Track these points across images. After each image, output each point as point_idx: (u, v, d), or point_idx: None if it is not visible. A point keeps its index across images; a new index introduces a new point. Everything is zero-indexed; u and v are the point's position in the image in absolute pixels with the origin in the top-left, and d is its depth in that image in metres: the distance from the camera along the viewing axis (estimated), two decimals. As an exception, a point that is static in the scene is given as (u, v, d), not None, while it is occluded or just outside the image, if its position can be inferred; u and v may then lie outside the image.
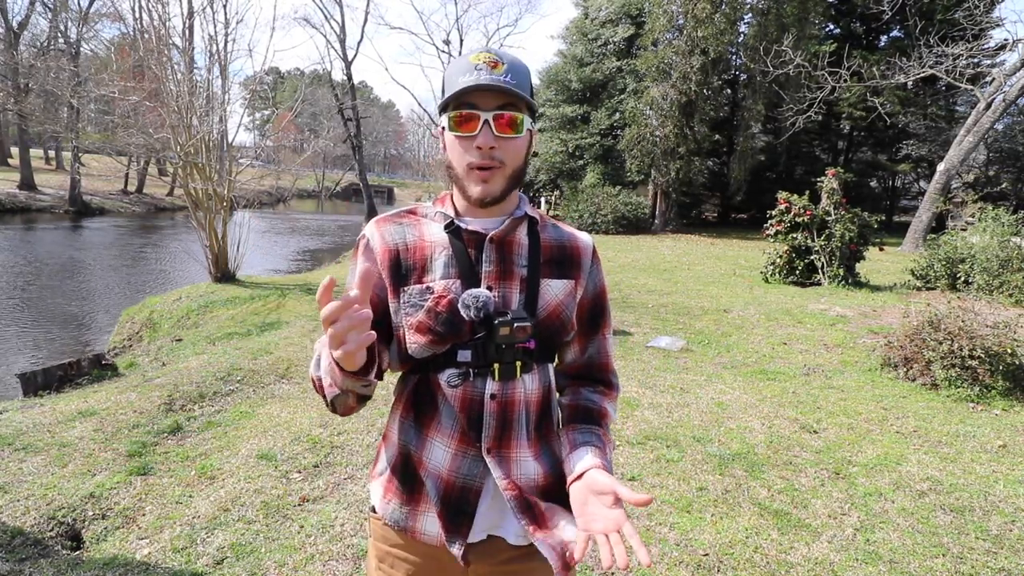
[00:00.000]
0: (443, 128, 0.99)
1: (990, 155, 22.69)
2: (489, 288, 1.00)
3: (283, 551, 2.42)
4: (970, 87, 14.93)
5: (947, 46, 14.16)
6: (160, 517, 2.69)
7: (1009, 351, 4.39)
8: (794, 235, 9.41)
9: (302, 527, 2.59)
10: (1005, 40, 15.47)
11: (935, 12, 18.83)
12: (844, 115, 22.13)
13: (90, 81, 20.40)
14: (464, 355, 0.99)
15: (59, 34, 27.11)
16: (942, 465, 3.35)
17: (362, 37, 34.60)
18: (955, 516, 2.82)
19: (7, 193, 23.63)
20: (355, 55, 25.75)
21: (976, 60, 16.14)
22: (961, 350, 4.45)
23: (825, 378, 4.97)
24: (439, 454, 1.02)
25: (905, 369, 4.91)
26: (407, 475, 1.05)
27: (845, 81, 15.46)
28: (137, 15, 9.94)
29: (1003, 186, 18.78)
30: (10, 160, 32.30)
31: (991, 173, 22.01)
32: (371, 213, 25.60)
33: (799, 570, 2.38)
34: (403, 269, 1.02)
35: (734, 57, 22.28)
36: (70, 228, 20.25)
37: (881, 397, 4.50)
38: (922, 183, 24.95)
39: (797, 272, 9.53)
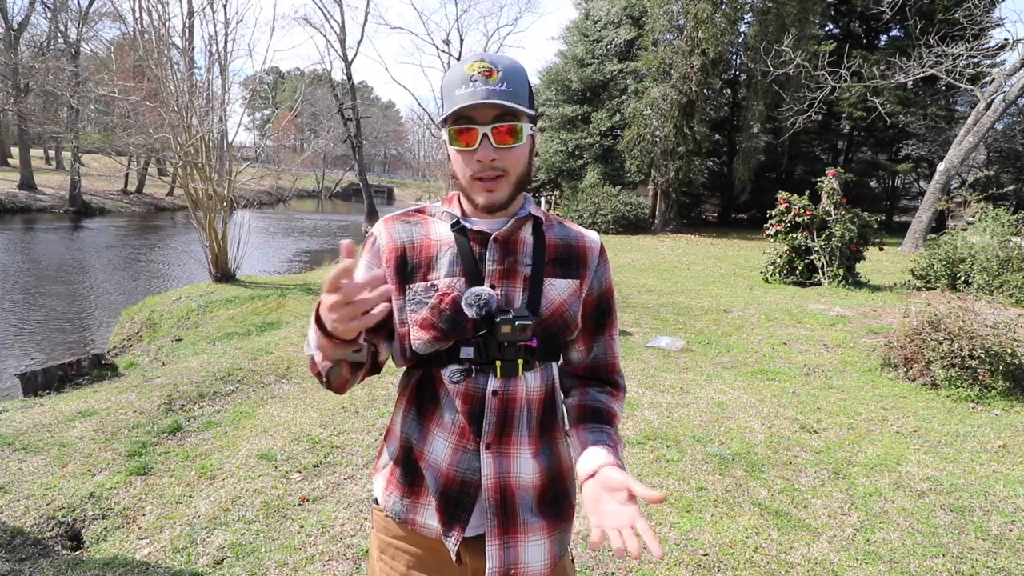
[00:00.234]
0: (445, 140, 1.01)
1: (990, 155, 22.68)
2: (492, 286, 1.01)
3: (283, 551, 2.42)
4: (970, 87, 14.93)
5: (947, 46, 14.16)
6: (160, 517, 2.69)
7: (1009, 351, 4.39)
8: (794, 235, 9.41)
9: (302, 527, 2.59)
10: (1005, 40, 15.47)
11: (935, 12, 18.82)
12: (844, 115, 22.13)
13: (90, 81, 20.41)
14: (467, 352, 1.00)
15: (59, 34, 27.11)
16: (942, 465, 3.35)
17: (362, 37, 34.64)
18: (955, 516, 2.82)
19: (7, 193, 23.64)
20: (355, 55, 25.74)
21: (976, 60, 16.12)
22: (961, 350, 4.45)
23: (825, 378, 4.97)
24: (440, 448, 1.04)
25: (905, 369, 4.91)
26: (408, 468, 1.07)
27: (845, 81, 15.46)
28: (137, 15, 9.92)
29: (1006, 188, 18.76)
30: (10, 160, 32.32)
31: (991, 173, 22.00)
32: (371, 213, 25.58)
33: (799, 570, 2.38)
34: (409, 267, 1.03)
35: (734, 57, 22.29)
36: (70, 228, 20.24)
37: (881, 397, 4.50)
38: (922, 183, 24.96)
39: (797, 272, 9.53)
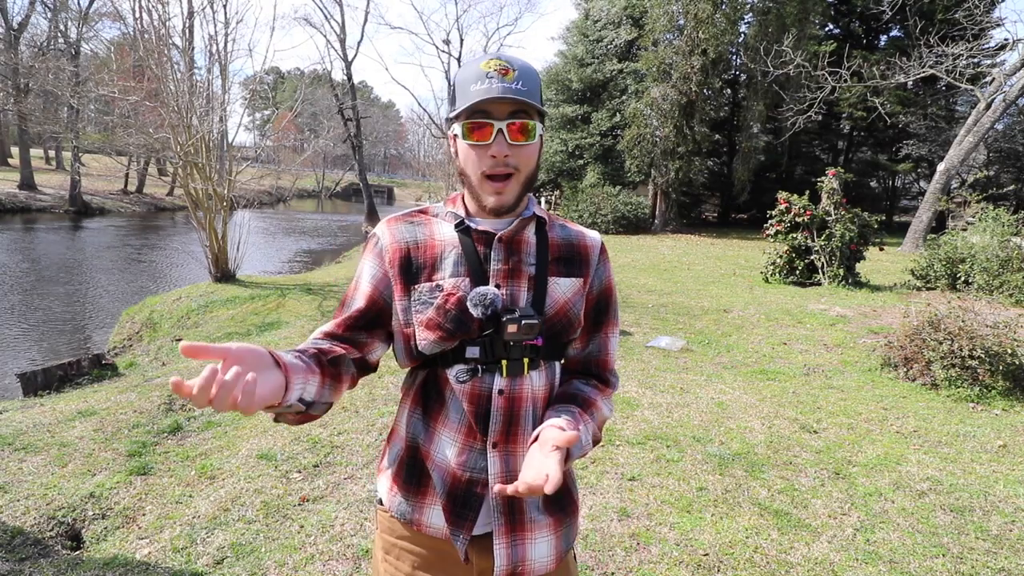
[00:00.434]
0: (455, 136, 1.00)
1: (990, 155, 22.68)
2: (497, 286, 1.01)
3: (283, 551, 2.42)
4: (970, 87, 14.92)
5: (947, 46, 14.15)
6: (160, 517, 2.69)
7: (1009, 351, 4.39)
8: (794, 235, 9.41)
9: (302, 527, 2.59)
10: (1005, 40, 15.47)
11: (935, 12, 18.82)
12: (844, 115, 22.13)
13: (90, 81, 20.38)
14: (473, 351, 1.00)
15: (59, 34, 27.10)
16: (942, 465, 3.35)
17: (362, 37, 34.62)
18: (955, 516, 2.82)
19: (7, 193, 23.64)
20: (355, 55, 25.73)
21: (976, 60, 16.11)
22: (961, 350, 4.45)
23: (825, 378, 4.97)
24: (446, 448, 1.04)
25: (905, 369, 4.91)
26: (414, 468, 1.07)
27: (845, 81, 15.46)
28: (137, 15, 9.90)
29: (1006, 188, 18.76)
30: (10, 160, 32.32)
31: (991, 173, 22.00)
32: (371, 213, 25.59)
33: (799, 570, 2.39)
34: (413, 267, 1.03)
35: (734, 57, 22.28)
36: (70, 228, 20.25)
37: (881, 397, 4.50)
38: (922, 183, 24.96)
39: (797, 272, 9.53)
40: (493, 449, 1.02)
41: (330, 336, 1.04)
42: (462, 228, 1.04)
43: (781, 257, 9.69)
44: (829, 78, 15.44)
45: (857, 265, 9.41)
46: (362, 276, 1.07)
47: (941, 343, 4.60)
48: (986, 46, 16.31)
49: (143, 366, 6.23)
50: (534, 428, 1.04)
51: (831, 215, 9.16)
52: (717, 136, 22.40)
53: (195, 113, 8.81)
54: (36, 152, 33.90)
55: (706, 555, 2.46)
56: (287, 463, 3.18)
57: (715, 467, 3.24)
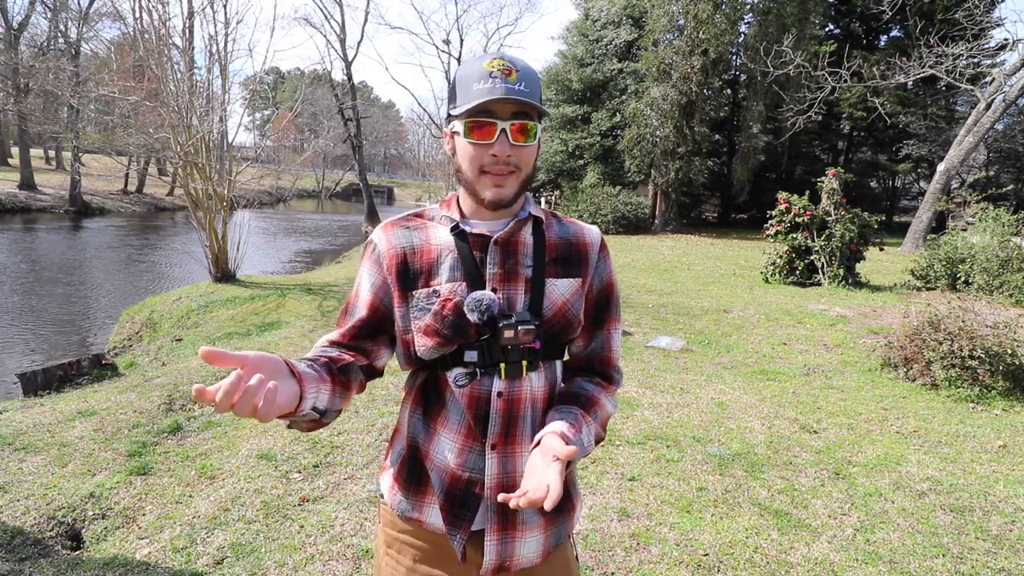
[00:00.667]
0: (453, 133, 1.00)
1: (990, 155, 22.68)
2: (494, 290, 1.01)
3: (283, 551, 2.42)
4: (970, 87, 14.93)
5: (947, 46, 14.16)
6: (160, 517, 2.69)
7: (1009, 351, 4.39)
8: (794, 235, 9.41)
9: (302, 527, 2.59)
10: (1005, 40, 15.47)
11: (935, 12, 18.83)
12: (844, 115, 22.13)
13: (90, 81, 20.40)
14: (471, 355, 1.01)
15: (59, 34, 27.10)
16: (942, 465, 3.35)
17: (362, 37, 34.63)
18: (955, 516, 2.82)
19: (7, 193, 23.63)
20: (355, 55, 25.73)
21: (976, 60, 16.12)
22: (961, 350, 4.45)
23: (825, 378, 4.97)
24: (446, 448, 1.04)
25: (905, 369, 4.91)
26: (414, 467, 1.08)
27: (845, 81, 15.46)
28: (137, 15, 9.90)
29: (1006, 188, 18.77)
30: (10, 160, 32.31)
31: (991, 173, 22.00)
32: (371, 213, 25.58)
33: (799, 570, 2.38)
34: (410, 273, 1.03)
35: (734, 57, 22.28)
36: (70, 228, 20.25)
37: (881, 397, 4.50)
38: (922, 183, 24.96)
39: (797, 272, 9.53)
40: (492, 451, 1.02)
41: (336, 345, 1.05)
42: (457, 232, 1.03)
43: (781, 257, 9.69)
44: (829, 78, 15.44)
45: (857, 265, 9.41)
46: (362, 284, 1.07)
47: (941, 343, 4.60)
48: (986, 46, 16.31)
49: (143, 366, 6.23)
50: (534, 429, 1.04)
51: (831, 215, 9.16)
52: (717, 136, 22.41)
53: (195, 113, 8.80)
54: (36, 152, 33.91)
55: (706, 555, 2.46)
56: (287, 463, 3.18)
57: (715, 467, 3.24)
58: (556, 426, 0.97)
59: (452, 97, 1.00)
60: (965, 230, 9.58)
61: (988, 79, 15.79)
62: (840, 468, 3.29)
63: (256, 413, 0.73)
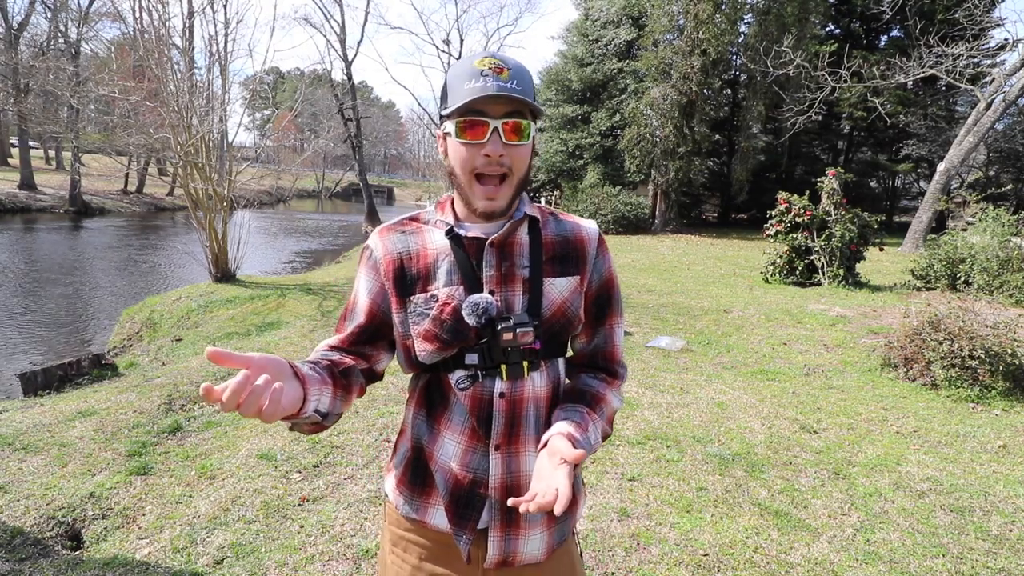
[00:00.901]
0: (445, 134, 0.99)
1: (990, 155, 22.69)
2: (492, 293, 1.00)
3: (283, 551, 2.42)
4: (970, 87, 14.92)
5: (947, 46, 14.16)
6: (160, 517, 2.69)
7: (1009, 351, 4.39)
8: (794, 235, 9.41)
9: (302, 527, 2.59)
10: (1005, 40, 15.48)
11: (935, 12, 18.83)
12: (844, 115, 22.13)
13: (90, 81, 20.38)
14: (472, 358, 1.00)
15: (59, 34, 27.09)
16: (942, 465, 3.35)
17: (362, 37, 34.60)
18: (955, 516, 2.82)
19: (7, 193, 23.63)
20: (355, 55, 25.71)
21: (976, 60, 16.12)
22: (961, 350, 4.45)
23: (825, 378, 4.97)
24: (450, 449, 1.04)
25: (905, 369, 4.91)
26: (418, 468, 1.08)
27: (845, 81, 15.46)
28: (137, 15, 9.90)
29: (1006, 188, 18.77)
30: (10, 160, 32.32)
31: (991, 173, 22.01)
32: (371, 213, 25.57)
33: (799, 570, 2.38)
34: (407, 278, 1.03)
35: (734, 57, 22.27)
36: (70, 228, 20.25)
37: (881, 397, 4.50)
38: (922, 183, 24.96)
39: (797, 272, 9.53)
40: (496, 451, 1.02)
41: (336, 350, 1.05)
42: (452, 235, 1.03)
43: (781, 257, 9.69)
44: (829, 78, 15.44)
45: (857, 265, 9.41)
46: (360, 290, 1.07)
47: (941, 343, 4.60)
48: (986, 46, 16.31)
49: (143, 366, 6.23)
50: (538, 428, 1.04)
51: (831, 215, 9.16)
52: (717, 136, 22.40)
53: (195, 113, 8.80)
54: (36, 152, 33.90)
55: (706, 555, 2.46)
56: (287, 463, 3.18)
57: (715, 467, 3.24)
58: (562, 427, 0.96)
59: (444, 97, 0.98)
60: (965, 230, 9.58)
61: (988, 79, 15.79)
62: (840, 468, 3.29)
63: (261, 414, 0.73)
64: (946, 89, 20.35)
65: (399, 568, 1.10)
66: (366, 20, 50.80)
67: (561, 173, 23.92)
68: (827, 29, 22.92)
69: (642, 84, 20.63)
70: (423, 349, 1.01)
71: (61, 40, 26.98)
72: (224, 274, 9.17)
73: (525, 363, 1.00)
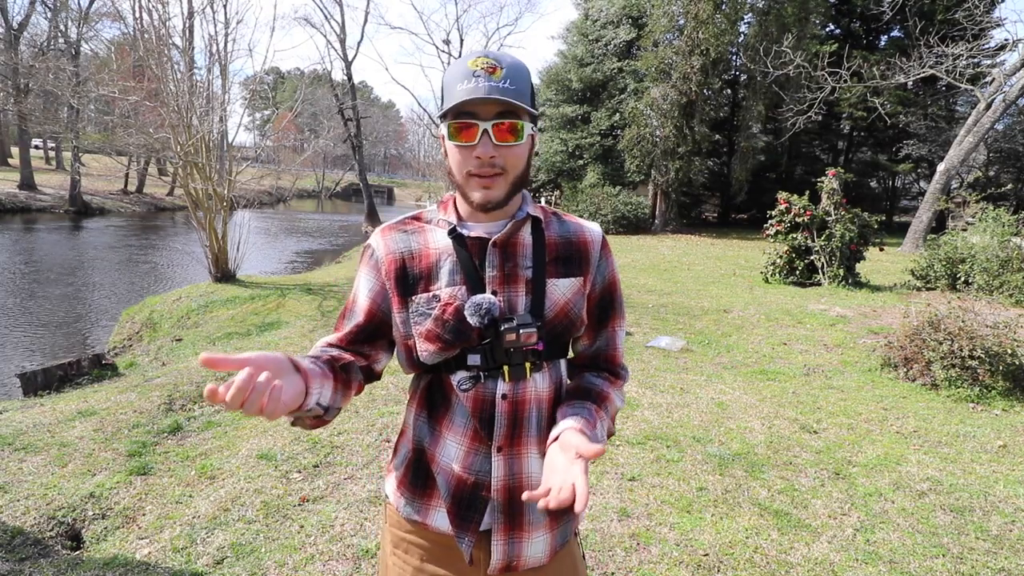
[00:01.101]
0: (443, 135, 0.99)
1: (990, 155, 22.69)
2: (494, 293, 1.00)
3: (283, 551, 2.42)
4: (970, 87, 14.93)
5: (947, 46, 14.16)
6: (160, 517, 2.69)
7: (1009, 351, 4.39)
8: (794, 235, 9.41)
9: (302, 527, 2.59)
10: (1005, 40, 15.49)
11: (935, 12, 18.83)
12: (844, 115, 22.12)
13: (90, 81, 20.38)
14: (474, 359, 1.00)
15: (59, 34, 27.08)
16: (942, 465, 3.35)
17: (362, 37, 34.59)
18: (955, 516, 2.82)
19: (7, 193, 23.63)
20: (355, 55, 25.70)
21: (976, 60, 16.12)
22: (961, 350, 4.45)
23: (825, 378, 4.97)
24: (451, 451, 1.04)
25: (905, 369, 4.91)
26: (420, 470, 1.07)
27: (845, 81, 15.45)
28: (137, 15, 9.90)
29: (1006, 188, 18.77)
30: (10, 160, 32.32)
31: (991, 173, 22.01)
32: (371, 213, 25.57)
33: (799, 570, 2.38)
34: (409, 278, 1.02)
35: (734, 57, 22.28)
36: (70, 228, 20.24)
37: (881, 397, 4.50)
38: (922, 183, 24.96)
39: (797, 272, 9.53)
40: (498, 453, 1.02)
41: (335, 347, 1.05)
42: (455, 235, 1.02)
43: (781, 257, 9.69)
44: (829, 78, 15.44)
45: (857, 265, 9.41)
46: (360, 289, 1.06)
47: (941, 343, 4.59)
48: (986, 46, 16.31)
49: (143, 366, 6.23)
50: (540, 430, 1.04)
51: (831, 215, 9.16)
52: (717, 136, 22.40)
53: (195, 113, 8.80)
54: (36, 152, 33.89)
55: (706, 555, 2.46)
56: (287, 463, 3.18)
57: (715, 467, 3.24)
58: (573, 422, 0.96)
59: (441, 98, 0.99)
60: (965, 230, 9.58)
61: (988, 79, 15.79)
62: (840, 468, 3.29)
63: (263, 412, 0.74)
64: (946, 89, 20.35)
65: (400, 570, 1.10)
66: (366, 20, 50.84)
67: (561, 173, 23.91)
68: (827, 29, 22.91)
69: (642, 84, 20.63)
70: (425, 349, 1.00)
71: (61, 40, 26.97)
72: (224, 274, 9.17)
73: (528, 364, 1.00)
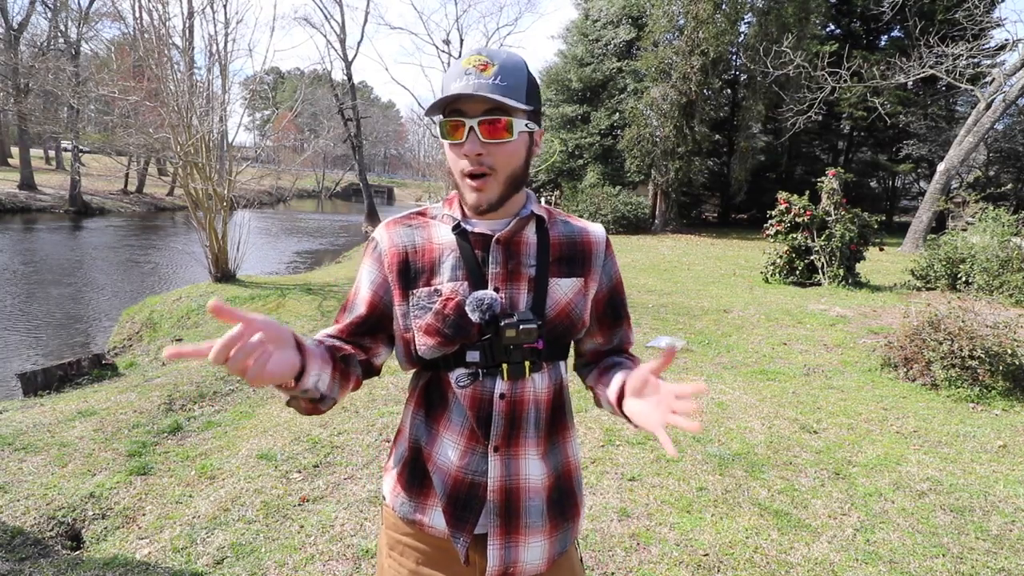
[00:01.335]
0: (437, 133, 1.00)
1: (990, 155, 22.68)
2: (496, 289, 1.00)
3: (283, 551, 2.42)
4: (970, 87, 14.93)
5: (947, 46, 14.16)
6: (160, 517, 2.69)
7: (1009, 351, 4.39)
8: (794, 235, 9.41)
9: (302, 527, 2.59)
10: (1005, 40, 15.51)
11: (935, 12, 18.83)
12: (844, 115, 22.13)
13: (90, 81, 20.36)
14: (473, 356, 1.00)
15: (59, 34, 27.08)
16: (942, 465, 3.35)
17: (362, 37, 34.61)
18: (955, 516, 2.82)
19: (7, 193, 23.62)
20: (355, 55, 25.70)
21: (976, 60, 16.13)
22: (961, 350, 4.45)
23: (825, 378, 4.97)
24: (448, 450, 1.03)
25: (905, 369, 4.90)
26: (416, 470, 1.07)
27: (845, 81, 15.45)
28: (137, 15, 9.90)
29: (1006, 188, 18.78)
30: (10, 160, 32.31)
31: (991, 173, 22.01)
32: (371, 213, 25.57)
33: (799, 570, 2.38)
34: (412, 272, 1.02)
35: (734, 57, 22.28)
36: (70, 228, 20.24)
37: (881, 397, 4.50)
38: (922, 183, 24.97)
39: (797, 272, 9.53)
40: (495, 453, 1.02)
41: (335, 339, 1.04)
42: (459, 231, 1.02)
43: (781, 257, 9.69)
44: (829, 78, 15.44)
45: (857, 265, 9.41)
46: (362, 281, 1.06)
47: (941, 343, 4.59)
48: (986, 46, 16.32)
49: (143, 366, 6.23)
50: (537, 431, 1.04)
51: (831, 215, 9.16)
52: (717, 136, 22.41)
53: (195, 113, 8.80)
54: (36, 152, 33.89)
55: (706, 555, 2.46)
56: (287, 463, 3.18)
57: (715, 467, 3.24)
58: (623, 372, 1.02)
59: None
60: (965, 230, 9.58)
61: (988, 79, 15.79)
62: (840, 468, 3.29)
63: (246, 373, 0.74)
64: (946, 89, 20.36)
65: (397, 572, 1.09)
66: (366, 20, 50.87)
67: (561, 173, 23.92)
68: (827, 29, 22.93)
69: (642, 84, 20.63)
70: (423, 343, 1.00)
71: (61, 40, 26.96)
72: (224, 274, 9.16)
73: (527, 363, 1.00)
